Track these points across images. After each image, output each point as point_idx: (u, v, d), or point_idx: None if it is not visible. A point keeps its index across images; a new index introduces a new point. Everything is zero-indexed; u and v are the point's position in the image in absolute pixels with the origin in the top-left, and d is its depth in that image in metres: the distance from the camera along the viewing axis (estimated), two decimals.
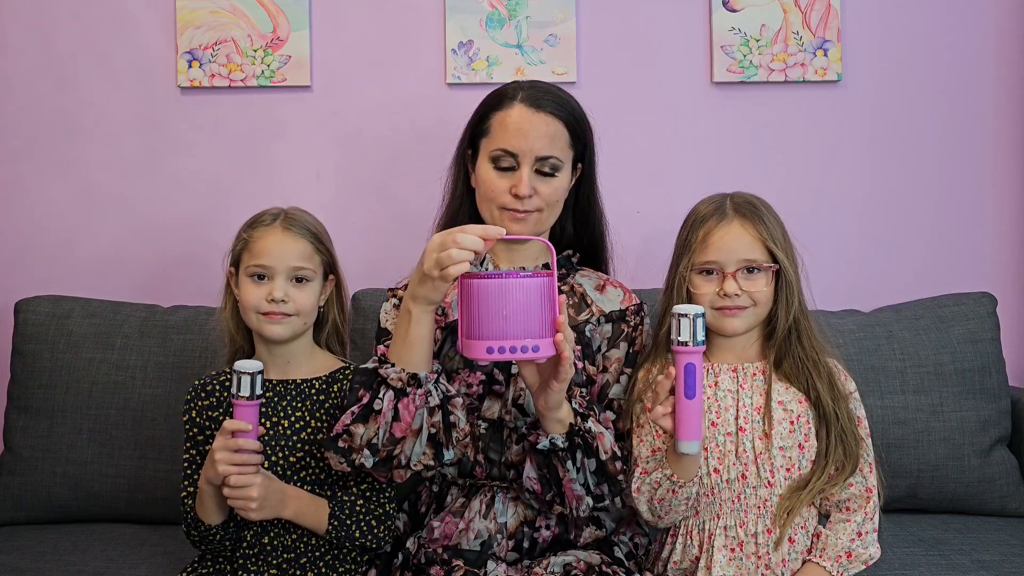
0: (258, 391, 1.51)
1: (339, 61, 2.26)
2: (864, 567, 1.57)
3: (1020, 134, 2.27)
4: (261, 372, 1.51)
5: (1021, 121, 2.27)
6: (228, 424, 1.51)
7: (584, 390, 1.62)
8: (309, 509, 1.60)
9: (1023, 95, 2.27)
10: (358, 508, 1.61)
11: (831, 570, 1.55)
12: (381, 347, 1.57)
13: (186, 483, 1.64)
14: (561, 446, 1.50)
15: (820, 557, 1.56)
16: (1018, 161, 2.28)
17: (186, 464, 1.65)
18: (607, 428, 1.57)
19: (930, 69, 2.26)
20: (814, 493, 1.55)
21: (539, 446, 1.50)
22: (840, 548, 1.56)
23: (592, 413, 1.55)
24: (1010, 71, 2.26)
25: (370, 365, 1.53)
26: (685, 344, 1.42)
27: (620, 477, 1.55)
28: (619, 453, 1.55)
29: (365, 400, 1.50)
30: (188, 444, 1.66)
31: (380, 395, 1.49)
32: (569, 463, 1.50)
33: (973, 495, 1.98)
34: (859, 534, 1.57)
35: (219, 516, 1.58)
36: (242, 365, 1.51)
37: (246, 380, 1.50)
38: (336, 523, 1.59)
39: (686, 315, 1.41)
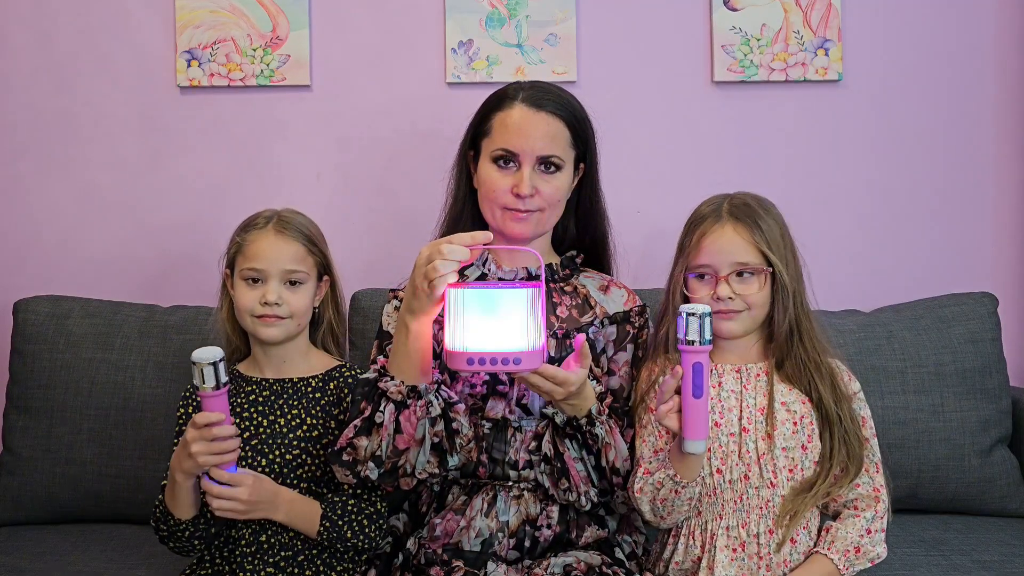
0: (223, 379, 1.48)
1: (339, 61, 2.25)
2: (870, 565, 1.57)
3: (1021, 133, 2.26)
4: (223, 359, 1.48)
5: (1022, 120, 2.26)
6: (199, 418, 1.48)
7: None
8: (301, 511, 1.59)
9: None
10: (349, 507, 1.60)
11: (838, 563, 1.54)
12: (381, 358, 1.58)
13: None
14: (558, 423, 1.54)
15: (828, 549, 1.54)
16: (1019, 160, 2.27)
17: None
18: (624, 444, 1.58)
19: (931, 68, 2.26)
20: (819, 496, 1.55)
21: (546, 410, 1.56)
22: (849, 542, 1.55)
23: (604, 422, 1.55)
24: (1011, 70, 2.26)
25: (371, 375, 1.54)
26: (693, 343, 1.41)
27: (617, 490, 1.58)
28: (622, 472, 1.57)
29: (367, 413, 1.51)
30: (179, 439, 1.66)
31: (381, 408, 1.50)
32: (568, 441, 1.54)
33: (974, 495, 1.98)
34: (868, 531, 1.56)
35: (191, 511, 1.57)
36: (200, 355, 1.46)
37: (208, 371, 1.46)
38: (328, 524, 1.59)
39: (694, 314, 1.41)
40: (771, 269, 1.58)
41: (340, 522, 1.59)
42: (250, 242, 1.66)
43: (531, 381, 1.45)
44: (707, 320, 1.41)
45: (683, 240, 1.63)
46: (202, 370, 1.47)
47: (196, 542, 1.60)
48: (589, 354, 1.49)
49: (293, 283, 1.66)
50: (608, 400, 1.60)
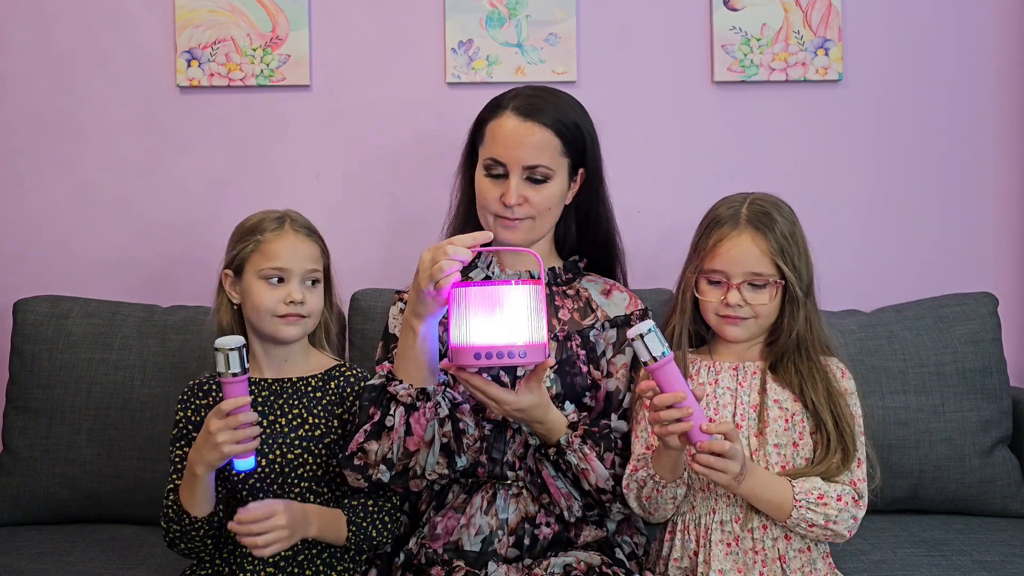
0: (246, 364, 1.49)
1: (339, 60, 2.25)
2: (826, 533, 1.51)
3: (1021, 133, 2.26)
4: (245, 345, 1.49)
5: (1022, 120, 2.26)
6: (226, 405, 1.48)
7: (585, 411, 1.64)
8: (329, 522, 1.59)
9: None
10: (370, 508, 1.61)
11: (797, 495, 1.49)
12: (387, 363, 1.60)
13: (174, 476, 1.62)
14: (532, 444, 1.58)
15: (793, 480, 1.51)
16: (1019, 160, 2.27)
17: (178, 460, 1.64)
18: (604, 467, 1.57)
19: (931, 68, 2.25)
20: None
21: (529, 441, 1.59)
22: (816, 485, 1.50)
23: (576, 450, 1.56)
24: (1011, 70, 2.26)
25: (377, 381, 1.56)
26: (657, 359, 1.41)
27: (609, 505, 1.58)
28: (608, 489, 1.57)
29: (376, 418, 1.53)
30: (181, 442, 1.65)
31: (391, 412, 1.52)
32: (546, 461, 1.56)
33: (974, 495, 1.98)
34: (839, 498, 1.51)
35: (207, 507, 1.57)
36: (224, 342, 1.48)
37: (234, 356, 1.47)
38: (355, 528, 1.60)
39: (641, 335, 1.41)
40: (783, 281, 1.57)
41: (364, 523, 1.60)
42: (269, 241, 1.66)
43: (473, 383, 1.46)
44: (655, 332, 1.41)
45: (698, 241, 1.63)
46: (227, 356, 1.47)
47: (208, 541, 1.60)
48: (538, 379, 1.48)
49: (312, 282, 1.67)
50: (580, 431, 1.58)
